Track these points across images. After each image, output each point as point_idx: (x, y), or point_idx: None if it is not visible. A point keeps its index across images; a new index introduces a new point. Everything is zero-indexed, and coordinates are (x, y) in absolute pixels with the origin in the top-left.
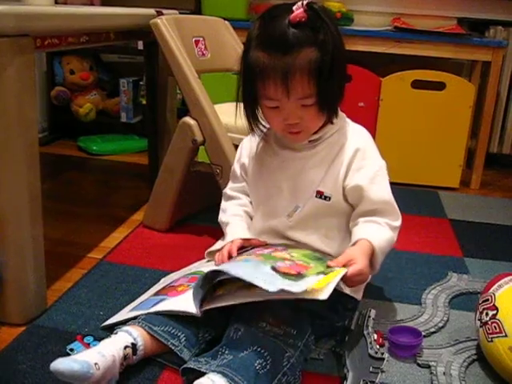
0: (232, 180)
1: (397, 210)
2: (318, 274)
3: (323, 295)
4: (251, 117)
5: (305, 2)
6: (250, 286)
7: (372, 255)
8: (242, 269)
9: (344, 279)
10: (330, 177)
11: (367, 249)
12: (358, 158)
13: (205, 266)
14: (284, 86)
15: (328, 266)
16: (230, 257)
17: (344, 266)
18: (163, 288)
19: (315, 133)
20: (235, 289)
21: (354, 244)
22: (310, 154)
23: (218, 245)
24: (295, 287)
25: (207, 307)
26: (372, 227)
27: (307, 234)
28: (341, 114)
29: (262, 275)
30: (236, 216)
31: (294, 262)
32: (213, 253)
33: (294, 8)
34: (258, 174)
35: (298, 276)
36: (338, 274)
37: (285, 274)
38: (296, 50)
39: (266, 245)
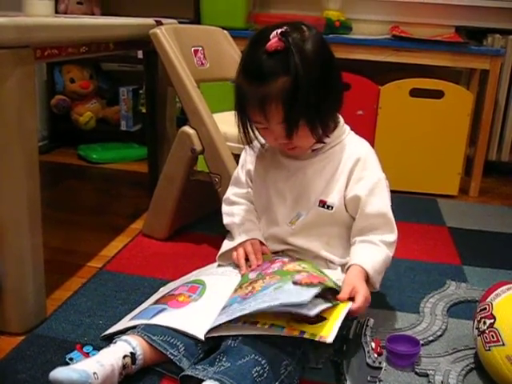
0: (235, 185)
1: (393, 224)
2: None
3: (329, 339)
4: (245, 135)
5: (279, 31)
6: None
7: (368, 278)
8: (265, 298)
9: (351, 312)
10: (332, 186)
11: (360, 274)
12: (358, 168)
13: (204, 275)
14: (262, 113)
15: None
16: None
17: (349, 296)
18: (163, 297)
19: (317, 143)
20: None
21: (348, 268)
22: (312, 163)
23: (226, 246)
24: (298, 297)
25: (212, 334)
26: (367, 250)
27: (309, 240)
28: (345, 125)
29: (284, 294)
30: (249, 220)
31: (310, 273)
32: (224, 255)
33: (271, 37)
34: (262, 181)
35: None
36: (342, 310)
37: (308, 285)
38: (271, 79)
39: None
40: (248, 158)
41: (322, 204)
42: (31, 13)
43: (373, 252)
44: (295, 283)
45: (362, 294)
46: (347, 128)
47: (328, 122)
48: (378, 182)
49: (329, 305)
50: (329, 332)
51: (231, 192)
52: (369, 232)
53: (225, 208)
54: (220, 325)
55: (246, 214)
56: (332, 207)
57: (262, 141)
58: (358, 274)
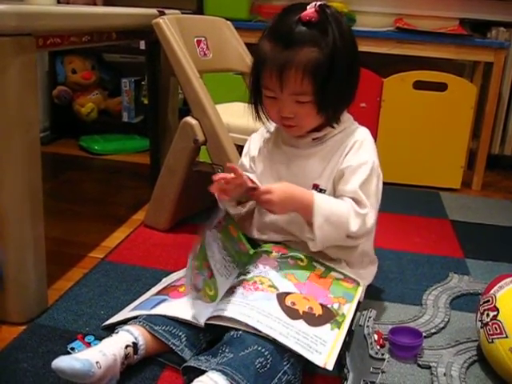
0: None
1: (365, 202)
2: (333, 327)
3: (329, 367)
4: (255, 104)
5: (318, 3)
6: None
7: (311, 212)
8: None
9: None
10: (327, 170)
11: (300, 193)
12: (352, 150)
13: None
14: (278, 78)
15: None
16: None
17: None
18: (164, 288)
19: (319, 131)
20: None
21: None
22: (313, 152)
23: None
24: (316, 356)
25: (211, 321)
26: (331, 197)
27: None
28: (348, 115)
29: (301, 338)
30: None
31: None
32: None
33: (308, 7)
34: (264, 169)
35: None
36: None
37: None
38: (297, 46)
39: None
40: (252, 146)
41: (315, 188)
42: (33, 2)
43: (336, 200)
44: (305, 315)
45: (270, 189)
46: (350, 117)
47: (340, 109)
48: (363, 163)
49: (335, 332)
50: (329, 359)
51: None
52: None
53: None
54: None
55: None
56: (324, 191)
57: (270, 126)
58: (297, 188)
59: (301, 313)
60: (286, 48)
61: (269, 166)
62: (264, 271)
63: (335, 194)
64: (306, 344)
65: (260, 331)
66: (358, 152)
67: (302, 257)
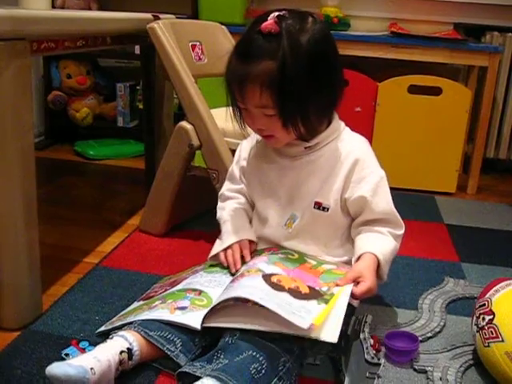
0: (230, 181)
1: (399, 220)
2: (320, 302)
3: (333, 338)
4: (236, 115)
5: (276, 14)
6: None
7: (378, 267)
8: (269, 298)
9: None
10: (327, 187)
11: (373, 263)
12: (357, 169)
13: (198, 284)
14: (239, 92)
15: (337, 285)
16: (243, 261)
17: (353, 281)
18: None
19: (299, 139)
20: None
21: (359, 257)
22: (306, 162)
23: (217, 246)
24: (299, 320)
25: (208, 324)
26: (375, 238)
27: (306, 244)
28: (339, 121)
29: (283, 304)
30: (236, 213)
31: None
32: (215, 257)
33: (268, 18)
34: (256, 178)
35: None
36: (342, 301)
37: (306, 296)
38: (255, 59)
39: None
40: (242, 154)
41: (318, 206)
42: (27, 7)
43: (382, 241)
44: (291, 290)
45: (367, 284)
46: (342, 124)
47: (312, 120)
48: (380, 180)
49: (323, 306)
50: (333, 331)
51: (226, 188)
52: (374, 224)
53: (219, 203)
54: (216, 309)
55: (237, 209)
56: (328, 209)
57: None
58: (370, 262)
59: (286, 288)
60: (245, 62)
61: (258, 177)
62: (252, 264)
63: (358, 214)
64: (289, 310)
65: (240, 297)
66: (366, 170)
67: (294, 253)
